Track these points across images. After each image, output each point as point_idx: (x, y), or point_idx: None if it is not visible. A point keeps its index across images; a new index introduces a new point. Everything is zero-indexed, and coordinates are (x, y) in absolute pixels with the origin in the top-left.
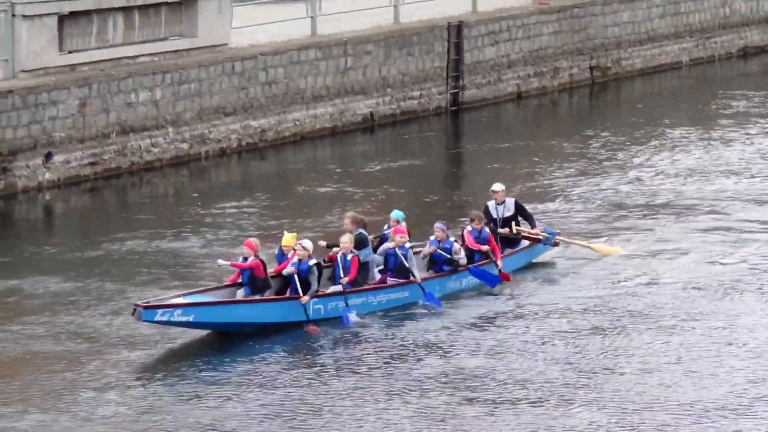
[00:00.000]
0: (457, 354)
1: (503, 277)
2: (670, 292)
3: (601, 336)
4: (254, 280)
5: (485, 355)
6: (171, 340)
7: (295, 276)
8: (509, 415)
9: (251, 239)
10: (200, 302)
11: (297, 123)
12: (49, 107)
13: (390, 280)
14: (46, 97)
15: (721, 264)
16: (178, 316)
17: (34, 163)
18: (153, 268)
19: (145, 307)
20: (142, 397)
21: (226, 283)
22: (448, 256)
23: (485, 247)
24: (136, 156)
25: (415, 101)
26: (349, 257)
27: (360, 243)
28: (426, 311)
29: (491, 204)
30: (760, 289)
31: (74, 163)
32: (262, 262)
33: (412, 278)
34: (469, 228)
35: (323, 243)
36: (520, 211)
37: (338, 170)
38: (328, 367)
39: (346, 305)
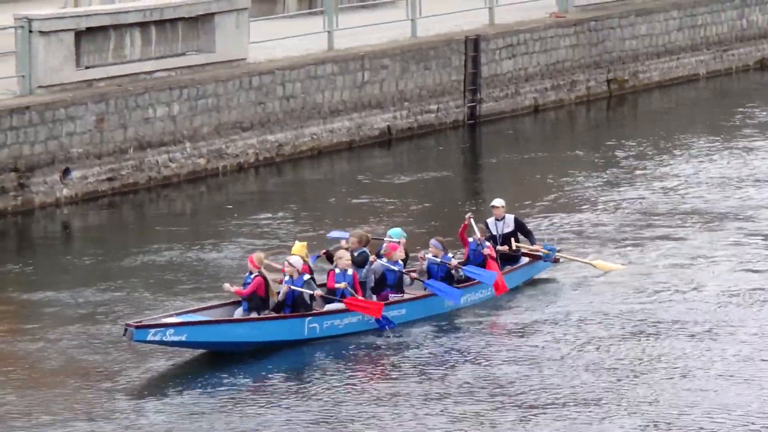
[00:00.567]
0: (491, 361)
1: (498, 289)
2: (702, 300)
3: (633, 343)
4: (253, 298)
5: (519, 362)
6: None
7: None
8: (543, 422)
9: (255, 255)
10: (193, 321)
11: (314, 137)
12: (66, 123)
13: (392, 297)
14: (64, 113)
15: (752, 271)
16: (170, 335)
17: (52, 179)
18: (172, 282)
19: (137, 327)
20: (180, 404)
21: (225, 302)
22: (441, 274)
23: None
24: (154, 171)
25: (433, 115)
26: (349, 272)
27: (363, 262)
28: (461, 318)
29: (491, 220)
30: None
31: (92, 179)
32: (265, 279)
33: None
34: (470, 240)
35: (322, 252)
36: (519, 227)
37: (356, 184)
38: (365, 373)
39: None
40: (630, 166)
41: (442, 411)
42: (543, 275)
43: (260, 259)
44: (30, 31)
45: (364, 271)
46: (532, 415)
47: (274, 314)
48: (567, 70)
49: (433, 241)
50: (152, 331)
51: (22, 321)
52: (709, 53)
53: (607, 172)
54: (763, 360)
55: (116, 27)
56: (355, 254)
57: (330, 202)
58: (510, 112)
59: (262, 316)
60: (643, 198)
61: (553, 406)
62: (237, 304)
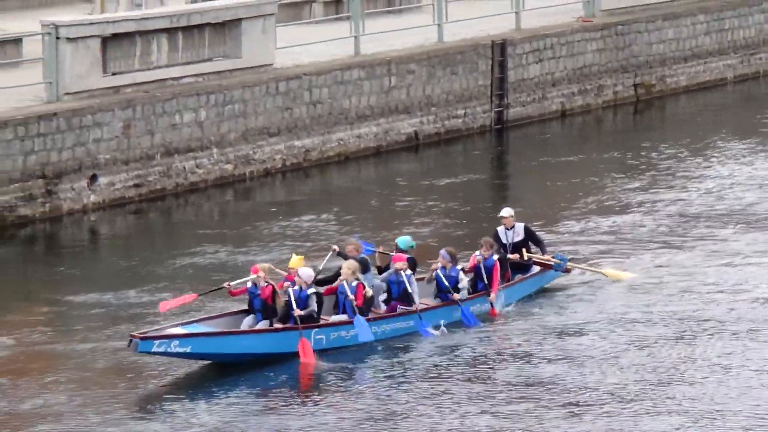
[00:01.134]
0: (533, 360)
1: (490, 313)
2: (741, 301)
3: (673, 345)
4: (266, 307)
5: (561, 361)
6: None
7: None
8: (586, 420)
9: (259, 265)
10: (198, 333)
11: (341, 143)
12: (93, 129)
13: (399, 308)
14: (91, 120)
15: None
16: (175, 347)
17: (79, 186)
18: (200, 287)
19: (142, 338)
20: (230, 404)
21: (231, 311)
22: (447, 284)
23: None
24: (181, 177)
25: (460, 120)
26: (354, 284)
27: (363, 268)
28: (501, 320)
29: (501, 229)
30: None
31: (119, 185)
32: (273, 288)
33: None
34: (476, 254)
35: (336, 248)
36: (530, 236)
37: (383, 190)
38: (407, 374)
39: (420, 319)
40: (658, 171)
41: (485, 410)
42: (572, 282)
43: (264, 269)
44: (57, 38)
45: (369, 276)
46: (575, 414)
47: (280, 325)
48: (594, 75)
49: (442, 252)
50: (156, 342)
51: (64, 323)
52: (737, 57)
53: (635, 176)
54: None
55: (143, 33)
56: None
57: (357, 207)
58: (537, 117)
59: (267, 327)
60: (673, 201)
61: (595, 404)
62: (244, 313)
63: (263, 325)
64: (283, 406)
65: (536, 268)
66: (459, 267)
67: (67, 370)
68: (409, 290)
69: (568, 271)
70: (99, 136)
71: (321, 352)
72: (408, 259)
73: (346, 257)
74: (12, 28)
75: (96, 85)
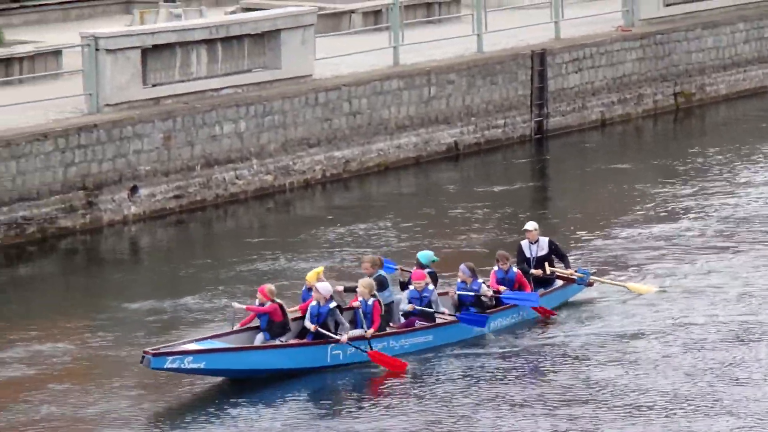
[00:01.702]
0: (587, 364)
1: (543, 313)
2: None
3: (726, 348)
4: (272, 325)
5: (615, 365)
6: None
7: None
8: (640, 423)
9: (266, 286)
10: (212, 348)
11: (381, 153)
12: (133, 141)
13: (418, 323)
14: (131, 131)
15: None
16: (188, 363)
17: (120, 197)
18: (240, 298)
19: (154, 354)
20: (298, 408)
21: (242, 327)
22: (471, 294)
23: (502, 288)
24: (221, 188)
25: (500, 130)
26: (370, 302)
27: (380, 285)
28: (555, 324)
29: (524, 243)
30: None
31: (159, 197)
32: (281, 305)
33: (440, 319)
34: (495, 268)
35: (340, 287)
36: (554, 250)
37: (422, 200)
38: (466, 377)
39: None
40: (700, 179)
41: (544, 413)
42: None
43: (271, 290)
44: (97, 50)
45: (387, 293)
46: (631, 417)
47: (296, 341)
48: (633, 84)
49: (462, 267)
50: (170, 358)
51: (106, 333)
52: None
53: (677, 185)
54: None
55: (182, 44)
56: (371, 278)
57: (396, 218)
58: (577, 127)
59: (284, 342)
60: (716, 209)
61: (650, 406)
62: (258, 329)
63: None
64: (348, 410)
65: (559, 282)
66: (480, 281)
67: (132, 376)
68: (431, 306)
69: (590, 284)
70: (139, 148)
71: (340, 367)
72: (429, 274)
73: (353, 289)
74: (51, 40)
75: (136, 96)
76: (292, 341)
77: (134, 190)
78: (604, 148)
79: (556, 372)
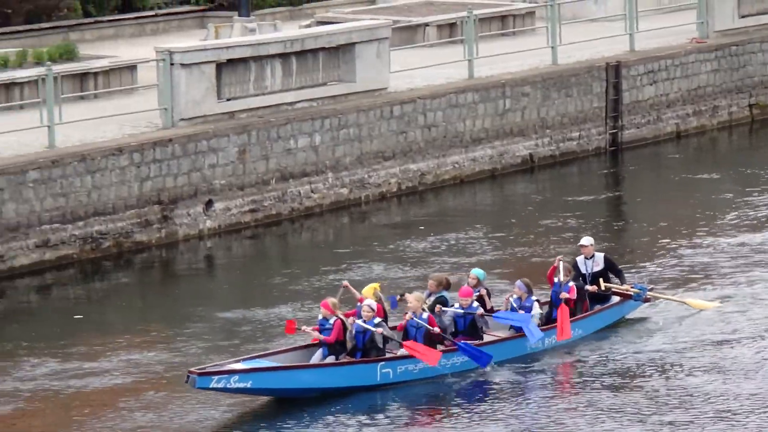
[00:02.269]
0: (674, 372)
1: (561, 333)
2: None
3: None
4: (336, 344)
5: (706, 371)
6: None
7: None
8: (732, 429)
9: (329, 299)
10: (259, 368)
11: (456, 166)
12: (208, 155)
13: (463, 344)
14: (206, 145)
15: None
16: (235, 382)
17: (195, 211)
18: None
19: (200, 374)
20: (386, 420)
21: (300, 345)
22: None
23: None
24: (296, 202)
25: (575, 142)
26: (424, 316)
27: (442, 306)
28: (643, 330)
29: (580, 259)
30: None
31: (234, 211)
32: (343, 321)
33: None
34: (555, 280)
35: (346, 283)
36: (609, 266)
37: (498, 213)
38: (557, 386)
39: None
40: None
41: (636, 421)
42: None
43: (334, 304)
44: (171, 64)
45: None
46: (723, 423)
47: (344, 359)
48: (708, 96)
49: (518, 282)
50: (215, 378)
51: (185, 346)
52: None
53: (753, 197)
54: None
55: (257, 58)
56: (433, 297)
57: (472, 230)
58: (652, 139)
59: (332, 361)
60: None
61: (741, 413)
62: (311, 347)
63: (330, 360)
64: (428, 423)
65: (615, 299)
66: (534, 298)
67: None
68: (476, 323)
69: (647, 300)
70: (214, 162)
71: (389, 386)
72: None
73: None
74: (126, 55)
75: (211, 110)
76: (342, 360)
77: (209, 204)
78: (679, 161)
79: (640, 379)
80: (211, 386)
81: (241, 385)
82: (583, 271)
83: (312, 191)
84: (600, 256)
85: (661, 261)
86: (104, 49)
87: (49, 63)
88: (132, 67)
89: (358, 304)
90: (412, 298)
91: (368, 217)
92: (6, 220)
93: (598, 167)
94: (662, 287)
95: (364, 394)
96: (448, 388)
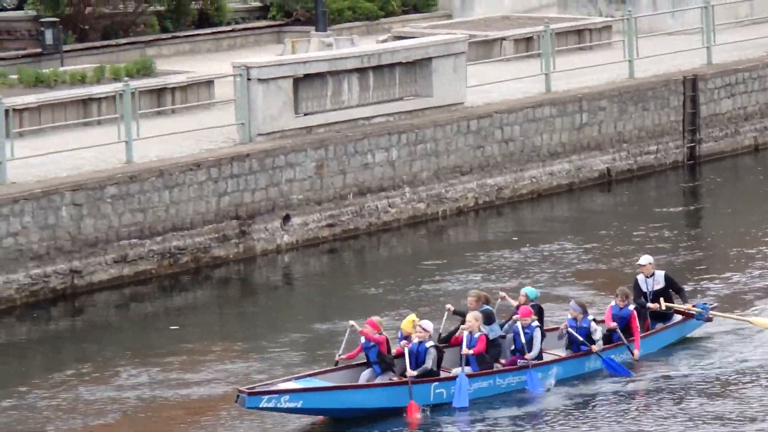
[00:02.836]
0: (739, 392)
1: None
2: None
3: None
4: (383, 358)
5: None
6: None
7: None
8: None
9: (374, 318)
10: (310, 387)
11: (533, 180)
12: (286, 170)
13: (521, 362)
14: (283, 160)
15: None
16: (285, 402)
17: (273, 226)
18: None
19: (249, 394)
20: None
21: (347, 360)
22: (580, 338)
23: (613, 324)
24: (374, 217)
25: (652, 156)
26: (476, 335)
27: (487, 318)
28: (704, 349)
29: (640, 278)
30: None
31: (312, 225)
32: (387, 340)
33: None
34: (612, 303)
35: (451, 307)
36: (670, 284)
37: (575, 227)
38: (615, 405)
39: (531, 374)
40: None
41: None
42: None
43: (380, 322)
44: (249, 79)
45: (494, 327)
46: None
47: (397, 379)
48: None
49: (573, 304)
50: (265, 397)
51: (265, 361)
52: None
53: None
54: None
55: (334, 73)
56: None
57: (548, 245)
58: (730, 152)
59: (385, 381)
60: None
61: None
62: (363, 366)
63: (382, 378)
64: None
65: (678, 317)
66: (590, 318)
67: None
68: (532, 342)
69: (710, 319)
70: (292, 177)
71: (440, 407)
72: (533, 307)
73: (462, 315)
74: (203, 71)
75: (288, 125)
76: (394, 380)
77: (287, 219)
78: (758, 174)
79: (742, 388)
80: (261, 406)
81: (292, 405)
82: (644, 289)
83: (389, 206)
84: (660, 274)
85: (732, 277)
86: (181, 64)
87: (126, 78)
88: (209, 83)
89: (400, 334)
90: (471, 317)
91: (445, 231)
92: (85, 236)
93: (676, 181)
94: (729, 304)
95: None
96: (501, 407)
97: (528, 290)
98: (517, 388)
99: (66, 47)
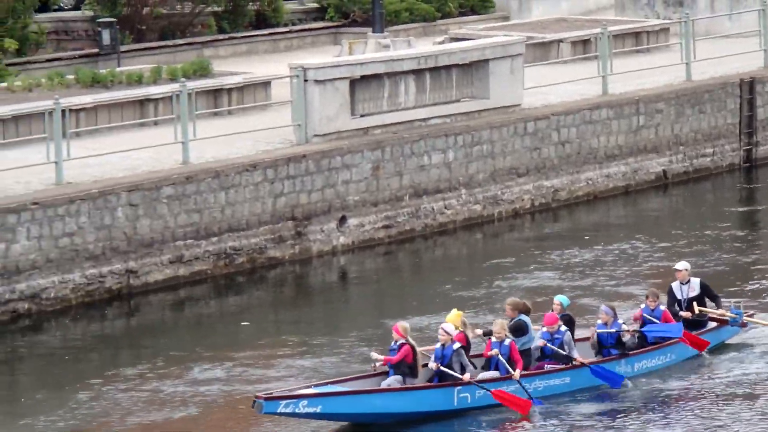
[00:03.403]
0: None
1: (694, 344)
2: None
3: None
4: (402, 365)
5: None
6: None
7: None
8: None
9: (399, 324)
10: (328, 392)
11: (590, 182)
12: (342, 171)
13: (548, 367)
14: (340, 161)
15: None
16: (303, 407)
17: (329, 227)
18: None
19: (266, 399)
20: None
21: (370, 372)
22: (612, 341)
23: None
24: (430, 218)
25: (708, 159)
26: (506, 343)
27: (518, 330)
28: (738, 356)
29: (675, 284)
30: None
31: (368, 227)
32: (413, 347)
33: (574, 362)
34: (642, 306)
35: (479, 332)
36: (705, 291)
37: (631, 230)
38: (646, 412)
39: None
40: None
41: None
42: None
43: (405, 328)
44: (305, 80)
45: (526, 338)
46: None
47: (419, 384)
48: None
49: (603, 307)
50: (283, 402)
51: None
52: None
53: None
54: None
55: (391, 75)
56: (511, 322)
57: (604, 248)
58: None
59: (406, 386)
60: None
61: None
62: (383, 375)
63: (401, 382)
64: None
65: (712, 324)
66: (621, 322)
67: None
68: (564, 348)
69: (744, 325)
70: (348, 178)
71: (468, 411)
72: (563, 317)
73: (491, 334)
74: (260, 72)
75: (344, 126)
76: (416, 384)
77: (343, 220)
78: None
79: (723, 409)
80: (278, 411)
81: (311, 410)
82: (679, 296)
83: (445, 207)
84: (696, 281)
85: None
86: (238, 65)
87: (183, 79)
88: (266, 84)
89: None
90: (498, 327)
91: (501, 233)
92: (141, 236)
93: (732, 184)
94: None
95: (441, 420)
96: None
97: (561, 298)
98: (557, 392)
99: (123, 48)
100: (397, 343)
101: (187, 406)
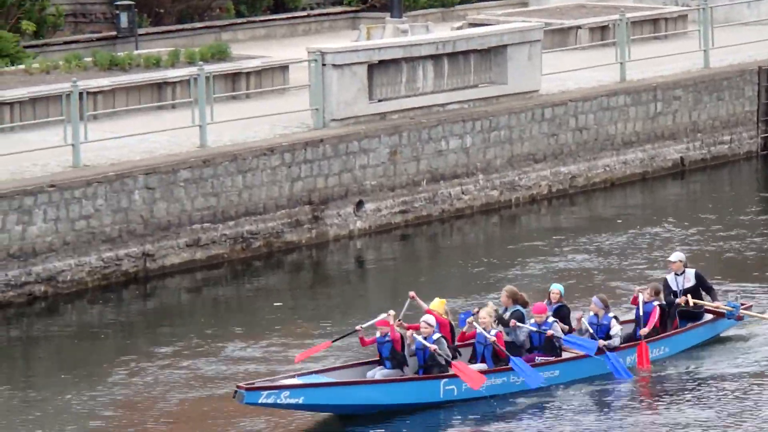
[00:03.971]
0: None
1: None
2: None
3: None
4: (395, 355)
5: None
6: None
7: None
8: None
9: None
10: (311, 383)
11: (607, 169)
12: (359, 156)
13: (539, 359)
14: (357, 146)
15: None
16: (285, 398)
17: (345, 212)
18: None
19: (248, 389)
20: None
21: (358, 361)
22: (602, 335)
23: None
24: (447, 203)
25: (726, 146)
26: (492, 331)
27: (519, 321)
28: (733, 349)
29: (670, 276)
30: None
31: (385, 212)
32: (401, 336)
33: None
34: (641, 296)
35: (412, 294)
36: (700, 282)
37: (649, 216)
38: (634, 404)
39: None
40: None
41: None
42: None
43: (393, 317)
44: (323, 65)
45: (521, 332)
46: None
47: (405, 375)
48: None
49: (594, 299)
50: (264, 393)
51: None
52: None
53: None
54: None
55: (409, 60)
56: (508, 311)
57: (622, 235)
58: None
59: (391, 378)
60: None
61: None
62: (373, 364)
63: (392, 375)
64: None
65: (708, 316)
66: (611, 315)
67: None
68: (552, 339)
69: (740, 318)
70: (365, 163)
71: (453, 403)
72: (560, 306)
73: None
74: (278, 56)
75: (362, 111)
76: (401, 376)
77: (360, 204)
78: None
79: (716, 402)
80: (259, 402)
81: (293, 400)
82: (674, 288)
83: (462, 193)
84: (691, 272)
85: None
86: (256, 49)
87: (201, 63)
88: (284, 68)
89: (410, 331)
90: (484, 314)
91: (518, 219)
92: (157, 219)
93: (749, 171)
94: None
95: (426, 411)
96: (515, 405)
97: (559, 287)
98: (549, 384)
99: (141, 31)
100: (387, 335)
101: (226, 385)
